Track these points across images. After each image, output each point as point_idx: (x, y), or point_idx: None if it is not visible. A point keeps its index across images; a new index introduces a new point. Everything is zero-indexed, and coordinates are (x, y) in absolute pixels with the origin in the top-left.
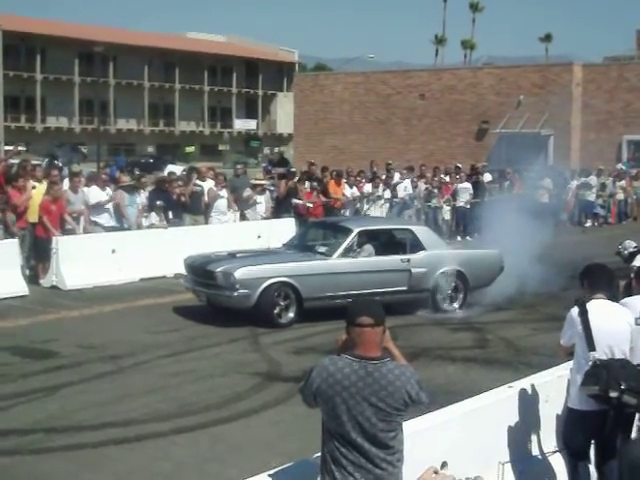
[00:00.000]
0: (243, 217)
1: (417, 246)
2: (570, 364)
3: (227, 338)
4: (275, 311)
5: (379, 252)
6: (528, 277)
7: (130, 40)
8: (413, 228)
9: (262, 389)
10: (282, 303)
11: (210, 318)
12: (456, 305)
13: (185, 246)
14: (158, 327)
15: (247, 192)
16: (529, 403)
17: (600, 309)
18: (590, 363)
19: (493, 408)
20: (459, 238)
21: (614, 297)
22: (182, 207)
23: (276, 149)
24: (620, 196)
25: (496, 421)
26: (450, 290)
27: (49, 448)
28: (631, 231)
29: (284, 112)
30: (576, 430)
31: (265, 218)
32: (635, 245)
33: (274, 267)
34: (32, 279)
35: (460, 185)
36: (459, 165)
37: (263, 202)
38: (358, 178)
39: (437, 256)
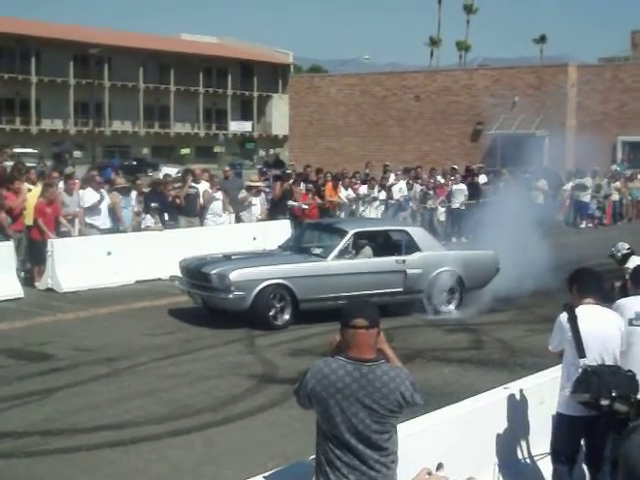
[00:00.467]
0: (238, 219)
1: (412, 247)
2: None
3: (222, 340)
4: (270, 313)
5: (374, 253)
6: (523, 278)
7: (125, 42)
8: (408, 229)
9: (258, 391)
10: (277, 305)
11: (205, 320)
12: (452, 306)
13: (180, 248)
14: (153, 329)
15: (242, 194)
16: (524, 405)
17: (589, 314)
18: (580, 370)
19: (489, 410)
20: (454, 239)
21: (610, 298)
22: (177, 209)
23: (271, 151)
24: (615, 197)
25: (492, 423)
26: (446, 291)
27: (45, 451)
28: (626, 232)
29: (279, 114)
30: (565, 435)
31: (260, 220)
32: (628, 247)
33: (269, 269)
34: (27, 282)
35: (455, 186)
36: (455, 166)
37: (258, 204)
38: (353, 180)
39: (432, 257)
